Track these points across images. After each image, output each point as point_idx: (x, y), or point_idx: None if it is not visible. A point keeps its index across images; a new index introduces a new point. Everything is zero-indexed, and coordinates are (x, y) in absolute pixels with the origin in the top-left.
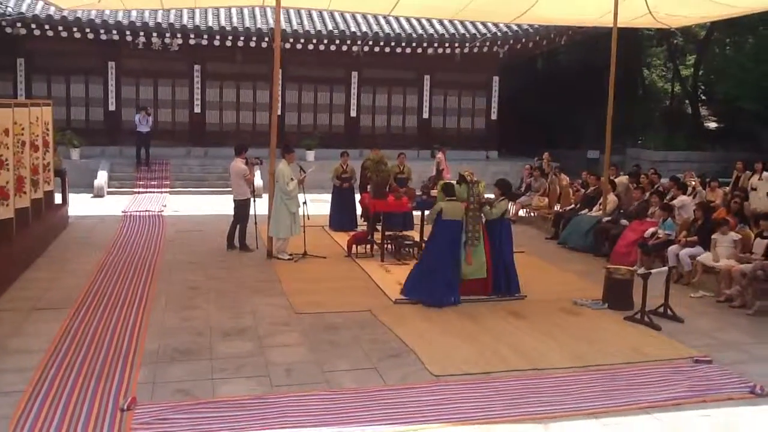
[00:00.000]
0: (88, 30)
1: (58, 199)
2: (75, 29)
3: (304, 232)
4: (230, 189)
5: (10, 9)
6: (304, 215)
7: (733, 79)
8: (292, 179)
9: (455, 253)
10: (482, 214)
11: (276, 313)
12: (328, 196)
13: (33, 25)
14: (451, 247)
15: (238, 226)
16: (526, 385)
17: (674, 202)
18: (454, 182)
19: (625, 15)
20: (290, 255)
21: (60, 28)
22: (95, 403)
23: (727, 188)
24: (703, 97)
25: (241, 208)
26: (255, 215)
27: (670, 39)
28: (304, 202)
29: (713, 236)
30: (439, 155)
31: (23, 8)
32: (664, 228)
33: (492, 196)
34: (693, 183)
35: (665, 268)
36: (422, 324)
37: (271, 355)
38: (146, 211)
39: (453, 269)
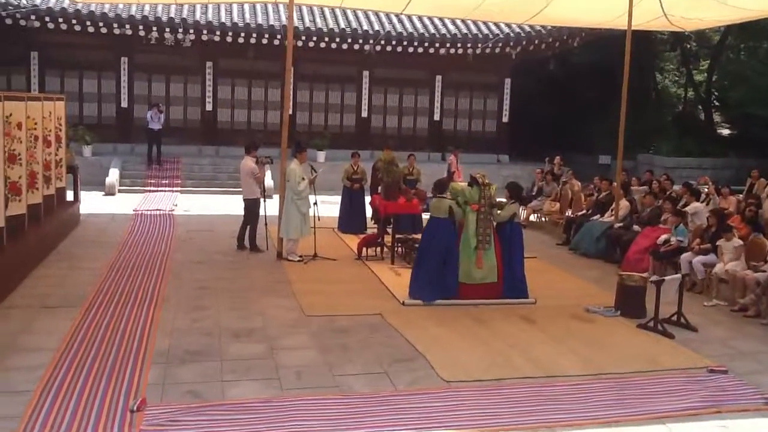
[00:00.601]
0: (101, 24)
1: (69, 196)
2: (88, 23)
3: (315, 233)
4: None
5: (24, 1)
6: (314, 216)
7: (747, 85)
8: (303, 179)
9: (441, 251)
10: (492, 217)
11: (286, 314)
12: (338, 198)
13: (47, 18)
14: (437, 244)
15: (248, 227)
16: (538, 392)
17: (687, 208)
18: (465, 184)
19: (640, 17)
20: (300, 256)
21: (74, 21)
22: (105, 404)
23: (741, 195)
24: (717, 103)
25: (251, 207)
26: (266, 215)
27: (684, 43)
28: (315, 203)
29: (718, 243)
30: (451, 157)
31: (37, 1)
32: (677, 234)
33: (503, 199)
34: (707, 188)
35: (678, 276)
36: (433, 328)
37: (281, 358)
38: (157, 210)
39: (439, 266)
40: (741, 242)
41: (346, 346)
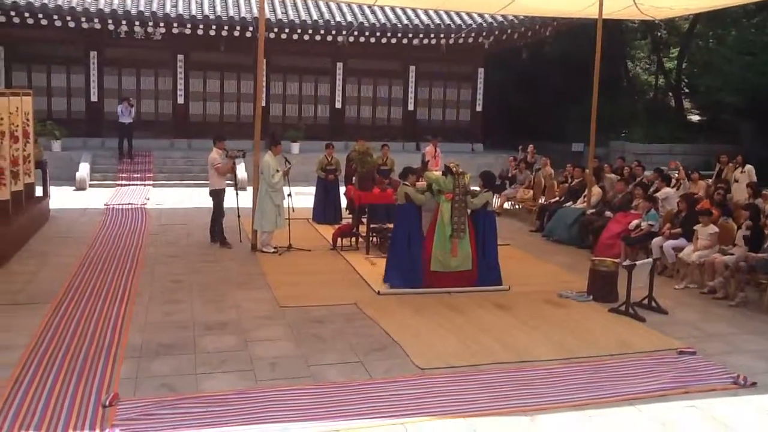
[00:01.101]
0: (69, 18)
1: (39, 191)
2: (56, 17)
3: (289, 224)
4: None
5: None
6: (289, 208)
7: (716, 72)
8: (277, 171)
9: (404, 236)
10: (466, 205)
11: (260, 306)
12: (313, 189)
13: (12, 13)
14: (399, 230)
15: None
16: (512, 377)
17: (658, 194)
18: (440, 173)
19: (610, 6)
20: (275, 248)
21: (40, 15)
22: (77, 399)
23: (710, 180)
24: (687, 90)
25: (213, 199)
26: (238, 208)
27: (654, 32)
28: (289, 195)
29: (695, 227)
30: (429, 146)
31: None
32: (648, 219)
33: (478, 188)
34: (678, 173)
35: (650, 260)
36: (407, 316)
37: (256, 350)
38: (129, 204)
39: (405, 251)
40: (717, 229)
41: (321, 337)
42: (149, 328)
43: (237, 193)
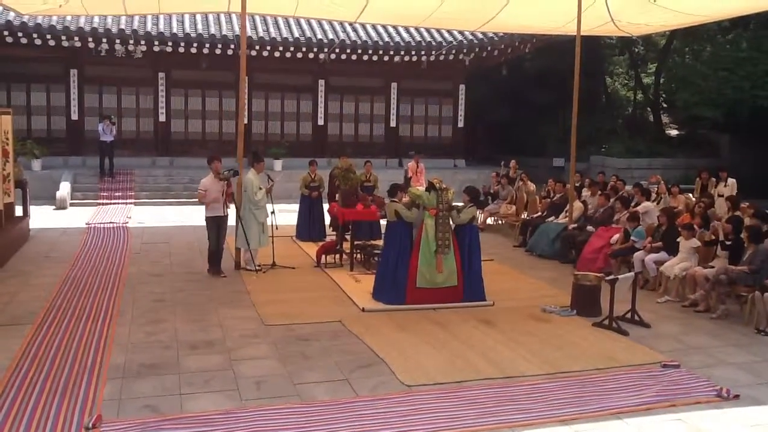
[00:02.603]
0: (49, 36)
1: (18, 211)
2: (35, 36)
3: (273, 242)
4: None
5: None
6: (272, 225)
7: (693, 87)
8: (260, 188)
9: (394, 254)
10: (451, 220)
11: (245, 325)
12: (296, 206)
13: None
14: (389, 247)
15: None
16: (498, 393)
17: (638, 208)
18: (423, 189)
19: (588, 23)
20: (259, 266)
21: (20, 34)
22: (59, 422)
23: (690, 194)
24: (665, 105)
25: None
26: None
27: (632, 47)
28: (272, 212)
29: (678, 239)
30: (411, 163)
31: None
32: (635, 236)
33: (461, 204)
34: (658, 187)
35: (631, 274)
36: (393, 333)
37: (241, 369)
38: (110, 222)
39: (393, 269)
40: (698, 243)
41: (306, 355)
42: (132, 348)
43: (239, 219)
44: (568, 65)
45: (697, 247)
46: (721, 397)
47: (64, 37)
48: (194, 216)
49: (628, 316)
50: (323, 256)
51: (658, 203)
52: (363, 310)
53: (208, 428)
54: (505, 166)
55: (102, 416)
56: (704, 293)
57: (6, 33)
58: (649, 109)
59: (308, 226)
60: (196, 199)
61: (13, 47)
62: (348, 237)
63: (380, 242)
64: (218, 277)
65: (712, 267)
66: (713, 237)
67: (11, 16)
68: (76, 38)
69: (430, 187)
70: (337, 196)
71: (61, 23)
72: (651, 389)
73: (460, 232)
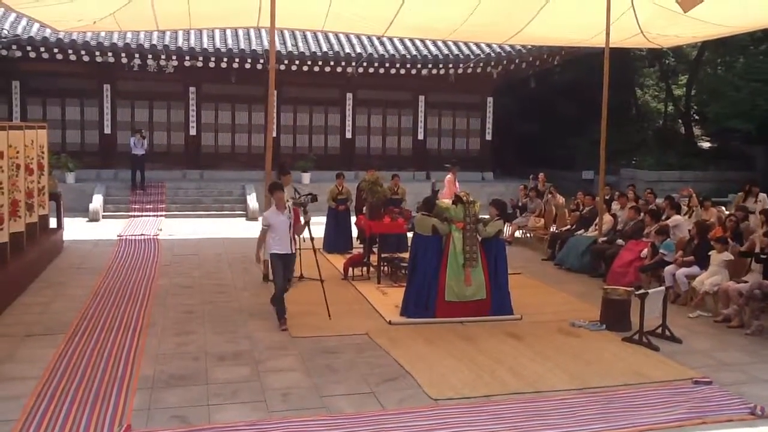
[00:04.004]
0: (83, 52)
1: (53, 223)
2: (70, 51)
3: (300, 254)
4: (226, 211)
5: (5, 31)
6: (300, 238)
7: (725, 99)
8: (288, 200)
9: (423, 267)
10: (477, 234)
11: (272, 337)
12: (324, 219)
13: (28, 48)
14: (421, 262)
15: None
16: (525, 408)
17: (669, 221)
18: (450, 202)
19: (617, 35)
20: None
21: (55, 50)
22: (90, 430)
23: (723, 207)
24: (696, 117)
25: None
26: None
27: (662, 59)
28: (311, 238)
29: (710, 253)
30: (449, 175)
31: (19, 30)
32: (664, 249)
33: (488, 217)
34: (690, 200)
35: (662, 288)
36: (419, 346)
37: (268, 380)
38: (141, 234)
39: (421, 282)
40: (731, 256)
41: (333, 367)
42: (162, 359)
43: (315, 254)
44: (597, 77)
45: (729, 260)
46: (754, 414)
47: (97, 53)
48: (224, 228)
49: (659, 331)
50: (350, 269)
51: (690, 216)
52: (390, 323)
53: None
54: (534, 179)
55: (132, 426)
56: (737, 308)
57: (42, 49)
58: (680, 121)
59: (335, 239)
60: (225, 211)
61: (48, 63)
62: (375, 250)
63: (407, 255)
64: (282, 327)
65: (746, 282)
66: (747, 250)
67: (47, 32)
68: (110, 54)
69: (457, 200)
70: (364, 208)
71: (95, 39)
72: (682, 406)
73: (487, 246)
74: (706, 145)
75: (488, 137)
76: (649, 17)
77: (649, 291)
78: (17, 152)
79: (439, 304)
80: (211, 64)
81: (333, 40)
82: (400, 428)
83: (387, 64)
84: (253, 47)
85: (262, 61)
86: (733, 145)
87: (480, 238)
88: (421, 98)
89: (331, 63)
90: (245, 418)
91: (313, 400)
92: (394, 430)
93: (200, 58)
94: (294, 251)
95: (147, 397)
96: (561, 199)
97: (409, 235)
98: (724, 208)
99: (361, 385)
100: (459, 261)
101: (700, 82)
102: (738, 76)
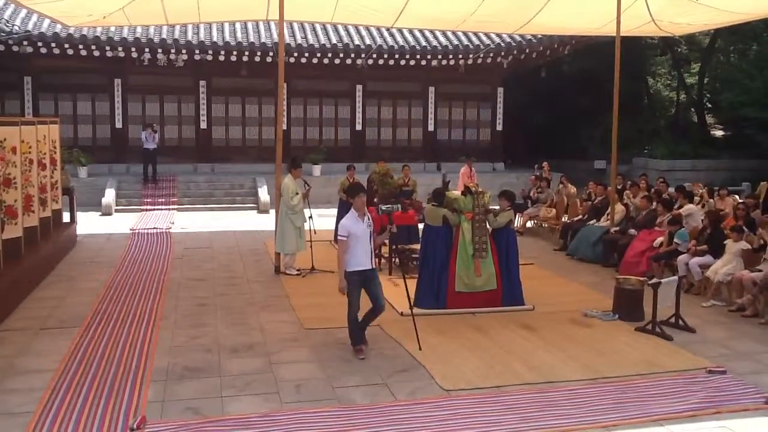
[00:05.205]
0: (93, 47)
1: (66, 217)
2: (81, 47)
3: (311, 246)
4: (237, 204)
5: (16, 27)
6: (310, 230)
7: (738, 87)
8: (297, 194)
9: (433, 258)
10: (487, 224)
11: (284, 329)
12: (335, 211)
13: (39, 43)
14: (431, 251)
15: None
16: (537, 398)
17: (681, 210)
18: (459, 193)
19: (628, 23)
20: (298, 270)
21: (66, 45)
22: (105, 423)
23: (737, 196)
24: (709, 105)
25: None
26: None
27: (674, 47)
28: (310, 217)
29: (725, 242)
30: (464, 167)
31: (30, 26)
32: (678, 238)
33: (497, 207)
34: (700, 192)
35: (675, 278)
36: (432, 337)
37: (281, 372)
38: (154, 228)
39: (432, 273)
40: (748, 245)
41: (345, 359)
42: (175, 351)
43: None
44: (609, 66)
45: (745, 249)
46: None
47: (108, 48)
48: (235, 221)
49: (672, 320)
50: None
51: (702, 207)
52: (402, 314)
53: (249, 430)
54: (538, 168)
55: (146, 417)
56: (752, 297)
57: (53, 45)
58: (692, 109)
59: None
60: (237, 204)
61: (59, 59)
62: (386, 241)
63: (418, 246)
64: (359, 356)
65: (760, 270)
66: (762, 240)
67: (58, 28)
68: (120, 49)
69: (467, 190)
70: (375, 200)
71: (105, 34)
72: (695, 395)
73: (497, 236)
74: (719, 133)
75: (499, 128)
76: (661, 5)
77: (662, 281)
78: (30, 147)
79: (449, 295)
80: (221, 58)
81: (342, 32)
82: (412, 419)
83: (396, 56)
84: (263, 40)
85: (271, 53)
86: (746, 133)
87: (490, 229)
88: (431, 89)
89: (341, 55)
90: (258, 410)
91: (326, 392)
92: (407, 421)
93: (210, 52)
94: (374, 267)
95: (161, 389)
96: (572, 189)
97: (420, 226)
98: (738, 196)
99: (374, 377)
100: (469, 252)
101: (713, 70)
102: (751, 64)
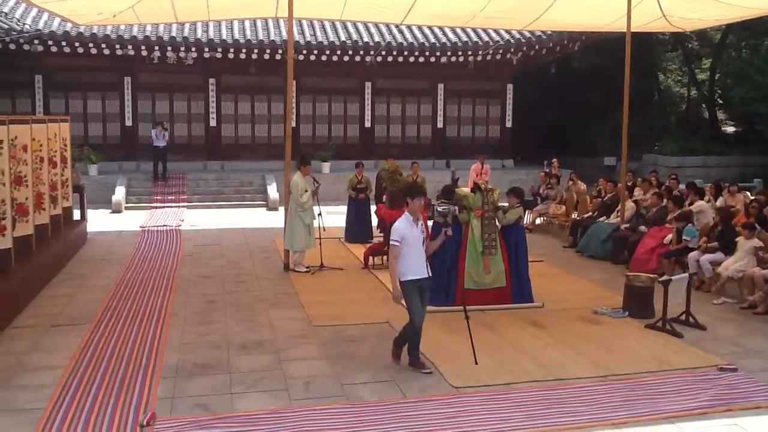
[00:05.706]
0: (104, 45)
1: (76, 215)
2: (91, 45)
3: (320, 244)
4: (247, 201)
5: (27, 26)
6: (320, 227)
7: (750, 83)
8: (306, 191)
9: (442, 255)
10: (497, 221)
11: (294, 326)
12: (344, 208)
13: (50, 42)
14: (440, 249)
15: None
16: (547, 396)
17: (692, 207)
18: (468, 190)
19: (639, 19)
20: (307, 267)
21: (76, 44)
22: (115, 419)
23: (748, 193)
24: (720, 101)
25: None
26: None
27: (685, 43)
28: (319, 214)
29: (737, 239)
30: (476, 164)
31: (40, 25)
32: (686, 234)
33: (506, 204)
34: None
35: (686, 275)
36: (441, 335)
37: (290, 369)
38: (164, 225)
39: (441, 270)
40: (760, 243)
41: (354, 356)
42: (185, 348)
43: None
44: (619, 62)
45: (757, 247)
46: None
47: (118, 46)
48: (244, 218)
49: (683, 317)
50: (371, 258)
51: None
52: None
53: (258, 427)
54: (548, 164)
55: (156, 414)
56: (763, 294)
57: (63, 43)
58: (703, 105)
59: (355, 228)
60: (247, 201)
61: (70, 57)
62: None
63: None
64: (421, 370)
65: None
66: None
67: (68, 27)
68: (130, 47)
69: (476, 187)
70: (384, 197)
71: (115, 33)
72: (706, 393)
73: (506, 233)
74: (730, 129)
75: (508, 124)
76: (672, 0)
77: (673, 278)
78: (41, 145)
79: (458, 292)
80: (230, 55)
81: (351, 30)
82: (421, 416)
83: (405, 53)
84: (272, 37)
85: (280, 51)
86: (757, 129)
87: (500, 226)
88: (440, 86)
89: (350, 52)
90: (267, 406)
91: (334, 388)
92: (416, 419)
93: (219, 50)
94: (430, 274)
95: (171, 385)
96: (582, 186)
97: (430, 223)
98: (748, 193)
99: (383, 374)
100: (478, 249)
101: (724, 66)
102: (763, 60)
